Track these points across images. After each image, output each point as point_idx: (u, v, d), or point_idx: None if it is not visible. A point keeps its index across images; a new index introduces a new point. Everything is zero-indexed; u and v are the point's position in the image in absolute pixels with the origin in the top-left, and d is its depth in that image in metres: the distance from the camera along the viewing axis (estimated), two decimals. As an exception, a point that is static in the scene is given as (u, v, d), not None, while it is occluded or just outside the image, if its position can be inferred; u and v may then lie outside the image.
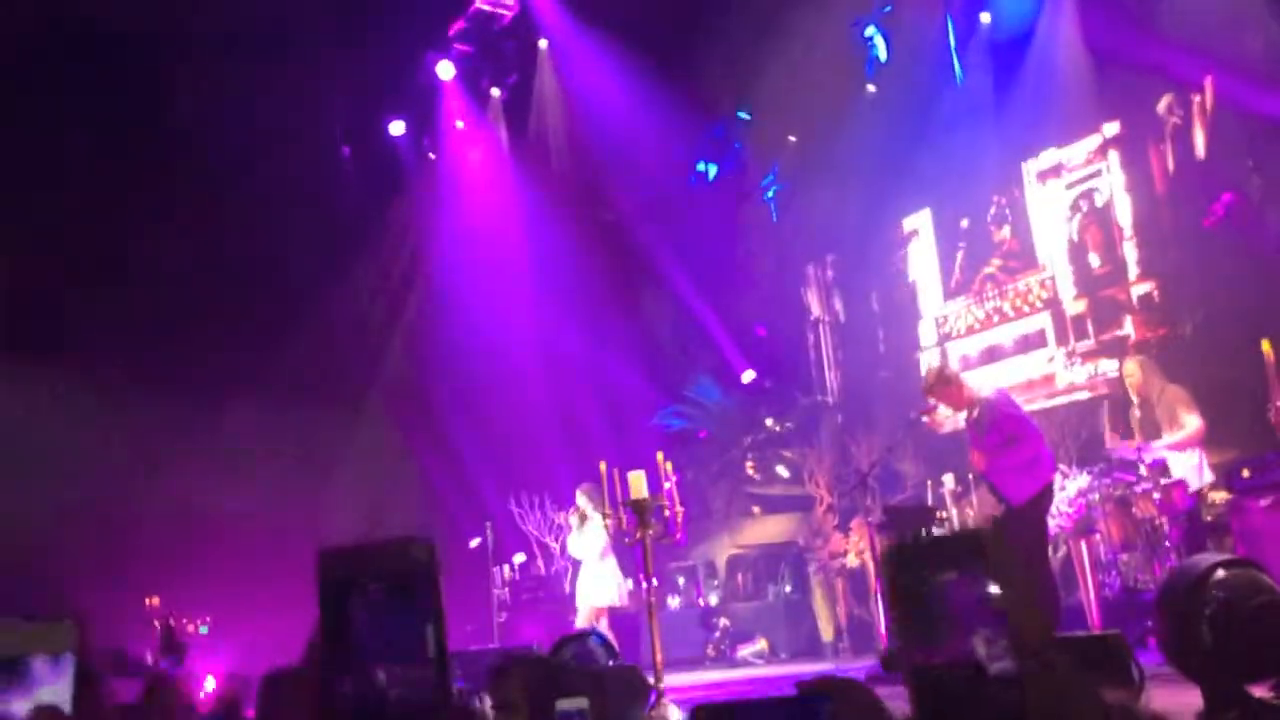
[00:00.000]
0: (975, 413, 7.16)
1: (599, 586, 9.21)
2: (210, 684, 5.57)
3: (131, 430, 11.20)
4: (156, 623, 10.46)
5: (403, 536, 2.65)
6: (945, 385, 7.42)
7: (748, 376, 14.10)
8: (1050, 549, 7.60)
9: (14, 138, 10.53)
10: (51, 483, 10.24)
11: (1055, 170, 11.36)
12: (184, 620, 10.44)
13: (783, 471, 13.74)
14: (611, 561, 9.31)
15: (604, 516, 9.11)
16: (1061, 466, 8.72)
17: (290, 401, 12.34)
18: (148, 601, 10.71)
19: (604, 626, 9.06)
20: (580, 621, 9.23)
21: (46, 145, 10.93)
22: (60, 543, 10.27)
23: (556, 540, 11.80)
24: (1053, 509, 7.82)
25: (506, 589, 11.52)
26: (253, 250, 12.13)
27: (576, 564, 10.17)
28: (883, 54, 12.58)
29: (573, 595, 10.10)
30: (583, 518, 9.48)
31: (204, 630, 10.88)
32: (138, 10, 10.75)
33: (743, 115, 14.14)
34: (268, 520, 11.34)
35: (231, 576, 10.82)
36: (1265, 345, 6.84)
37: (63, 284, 11.22)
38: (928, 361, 12.25)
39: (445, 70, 13.52)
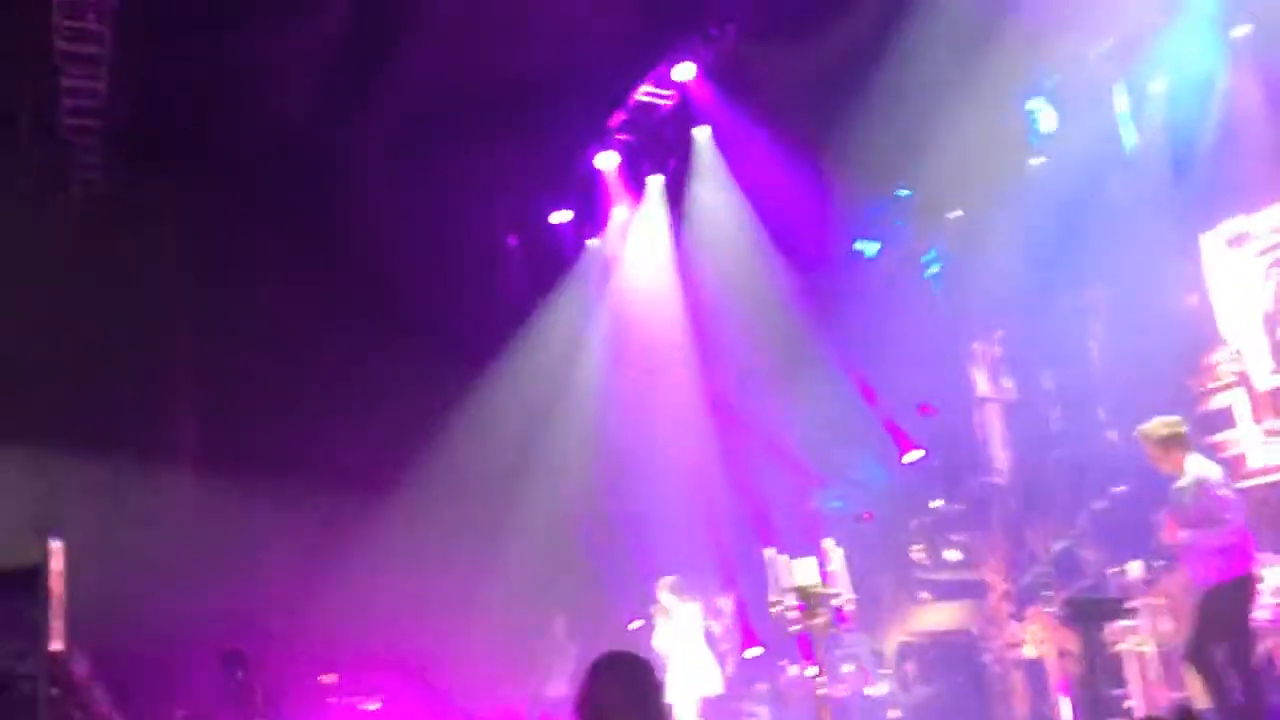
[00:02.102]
0: (1184, 483, 6.81)
1: (698, 676, 9.11)
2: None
3: (297, 530, 11.92)
4: (329, 700, 11.13)
5: None
6: (1171, 445, 7.05)
7: (913, 456, 13.72)
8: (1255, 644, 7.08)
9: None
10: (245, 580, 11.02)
11: (1240, 240, 10.79)
12: (359, 698, 10.98)
13: (952, 555, 13.26)
14: (706, 650, 9.22)
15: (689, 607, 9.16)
16: (1261, 555, 8.14)
17: (455, 483, 12.77)
18: (323, 679, 11.31)
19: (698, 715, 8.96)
20: (687, 716, 9.11)
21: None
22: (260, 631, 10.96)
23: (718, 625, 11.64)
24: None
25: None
26: (424, 340, 12.67)
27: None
28: (1047, 125, 12.30)
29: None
30: (665, 612, 9.52)
31: (375, 707, 11.47)
32: (321, 109, 11.53)
33: (903, 192, 14.00)
34: (442, 599, 11.78)
35: (398, 656, 11.30)
36: None
37: (249, 392, 12.06)
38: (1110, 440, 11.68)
39: (606, 160, 13.89)
